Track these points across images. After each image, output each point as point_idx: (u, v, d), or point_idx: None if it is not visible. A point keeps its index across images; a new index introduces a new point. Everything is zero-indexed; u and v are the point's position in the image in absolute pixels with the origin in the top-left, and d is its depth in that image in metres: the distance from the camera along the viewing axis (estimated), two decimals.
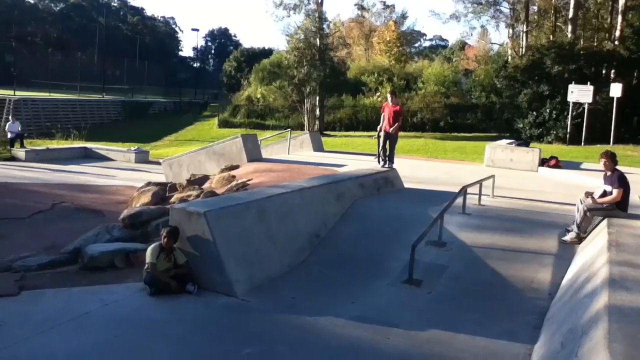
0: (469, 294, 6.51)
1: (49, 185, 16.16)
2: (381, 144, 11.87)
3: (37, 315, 5.66)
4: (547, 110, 27.99)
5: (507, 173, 14.61)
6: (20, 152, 21.81)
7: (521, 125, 28.67)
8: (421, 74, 38.77)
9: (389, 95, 11.79)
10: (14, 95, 33.57)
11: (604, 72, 29.34)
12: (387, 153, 11.88)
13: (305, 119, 33.83)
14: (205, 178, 14.33)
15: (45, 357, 4.75)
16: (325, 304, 6.17)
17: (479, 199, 10.14)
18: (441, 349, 5.18)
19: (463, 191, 9.12)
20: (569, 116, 26.85)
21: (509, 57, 33.93)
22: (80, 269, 7.42)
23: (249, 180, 12.46)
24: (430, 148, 25.13)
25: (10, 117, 24.22)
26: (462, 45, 59.16)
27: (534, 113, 28.33)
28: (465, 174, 13.81)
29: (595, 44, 32.63)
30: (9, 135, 22.76)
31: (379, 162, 11.91)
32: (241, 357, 4.92)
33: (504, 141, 20.77)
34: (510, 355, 5.07)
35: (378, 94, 37.18)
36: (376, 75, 38.88)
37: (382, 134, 11.90)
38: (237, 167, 14.99)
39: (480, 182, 10.15)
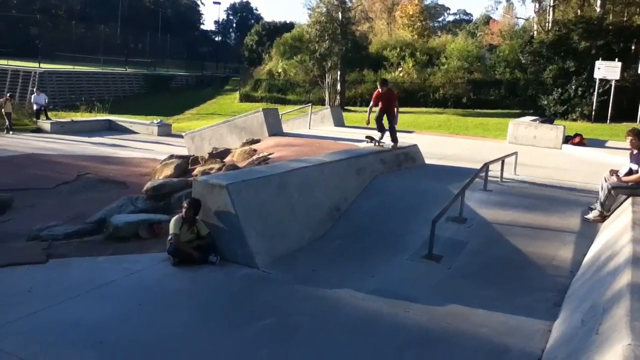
0: (488, 270, 6.52)
1: (73, 157, 16.42)
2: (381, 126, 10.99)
3: (64, 283, 5.83)
4: (573, 87, 27.42)
5: (530, 150, 14.45)
6: (45, 124, 22.14)
7: (545, 102, 28.17)
8: (444, 49, 38.14)
9: (379, 84, 10.78)
10: (39, 67, 33.94)
11: (633, 48, 28.54)
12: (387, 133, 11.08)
13: (326, 93, 33.66)
14: (227, 151, 14.43)
15: (72, 323, 4.90)
16: (345, 277, 6.23)
17: (501, 176, 10.06)
18: (460, 324, 5.21)
19: (485, 168, 9.06)
20: (595, 93, 26.29)
21: (535, 32, 33.16)
22: (105, 239, 7.57)
23: (269, 154, 12.52)
24: (452, 124, 24.89)
25: (35, 90, 24.51)
26: (487, 20, 57.98)
27: (559, 90, 27.78)
28: (487, 151, 13.69)
29: (625, 18, 31.70)
30: (35, 107, 23.13)
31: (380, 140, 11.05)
32: (262, 326, 5.02)
33: (528, 118, 20.47)
34: (530, 331, 5.08)
35: (400, 69, 36.76)
36: (398, 50, 38.36)
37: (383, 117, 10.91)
38: (258, 141, 15.05)
39: (502, 159, 10.06)
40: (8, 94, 22.37)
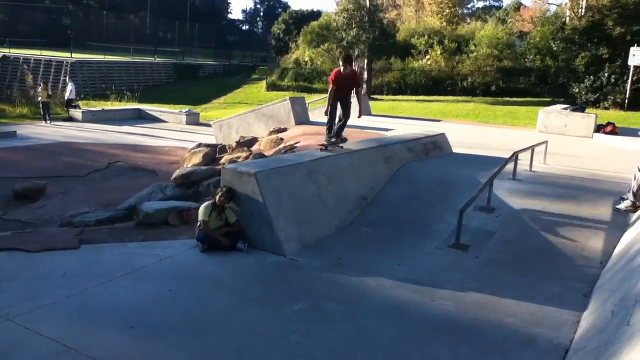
0: (517, 260, 6.47)
1: (104, 145, 16.75)
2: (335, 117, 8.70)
3: (96, 268, 5.98)
4: (605, 75, 26.75)
5: (560, 139, 14.21)
6: (77, 113, 22.55)
7: (577, 90, 27.55)
8: (473, 36, 37.51)
9: (342, 60, 8.39)
10: (71, 57, 34.55)
11: None
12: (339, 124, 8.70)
13: None
14: (254, 140, 14.53)
15: (106, 306, 5.04)
16: (372, 265, 6.27)
17: (530, 165, 9.93)
18: (487, 313, 5.20)
19: (514, 156, 8.95)
20: (629, 80, 25.61)
21: (567, 18, 32.35)
22: (135, 225, 7.75)
23: (296, 142, 12.56)
24: (480, 113, 24.58)
25: (67, 79, 24.86)
26: (517, 6, 56.78)
27: (591, 77, 27.13)
28: (516, 140, 13.50)
29: None
30: (66, 96, 23.49)
31: (331, 141, 8.60)
32: (291, 313, 5.10)
33: (558, 106, 20.09)
34: (558, 322, 5.05)
35: (428, 56, 36.33)
36: (426, 37, 37.87)
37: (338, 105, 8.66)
38: (284, 129, 15.11)
39: (532, 147, 9.91)
40: (42, 82, 22.68)
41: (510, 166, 8.94)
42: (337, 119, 8.66)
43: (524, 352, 4.58)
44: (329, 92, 8.58)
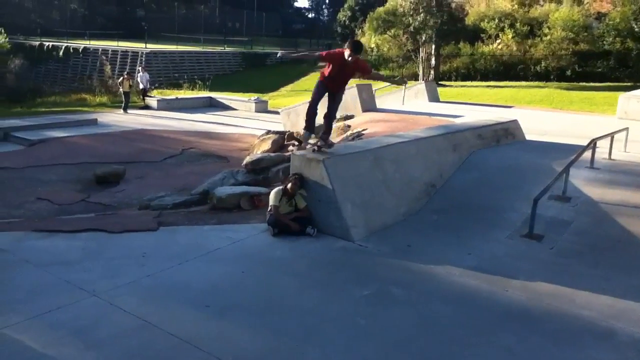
0: (594, 251, 6.23)
1: (178, 132, 17.37)
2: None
3: (174, 249, 6.26)
4: None
5: None
6: (152, 101, 23.45)
7: None
8: (547, 19, 35.89)
9: (350, 47, 6.63)
10: (146, 48, 35.91)
11: None
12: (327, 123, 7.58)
13: (420, 68, 32.96)
14: (321, 127, 14.61)
15: (182, 285, 5.28)
16: (441, 253, 6.22)
17: (610, 153, 9.47)
18: (562, 305, 5.06)
19: (592, 144, 8.57)
20: None
21: None
22: (209, 209, 8.04)
23: (363, 130, 12.56)
24: (554, 98, 23.59)
25: (140, 69, 25.68)
26: None
27: None
28: (593, 126, 12.89)
29: None
30: (141, 85, 24.33)
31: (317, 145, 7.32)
32: (359, 297, 5.16)
33: None
34: (639, 316, 4.84)
35: (498, 40, 35.17)
36: (497, 21, 36.58)
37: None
38: (352, 117, 15.12)
39: (611, 134, 9.45)
40: (125, 73, 23.51)
41: (587, 154, 8.57)
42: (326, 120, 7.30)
43: (601, 344, 4.43)
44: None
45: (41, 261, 5.71)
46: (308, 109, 7.32)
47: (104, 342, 4.24)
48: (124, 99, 22.10)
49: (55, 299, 4.84)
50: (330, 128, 7.51)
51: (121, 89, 22.25)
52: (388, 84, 19.95)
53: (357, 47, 6.69)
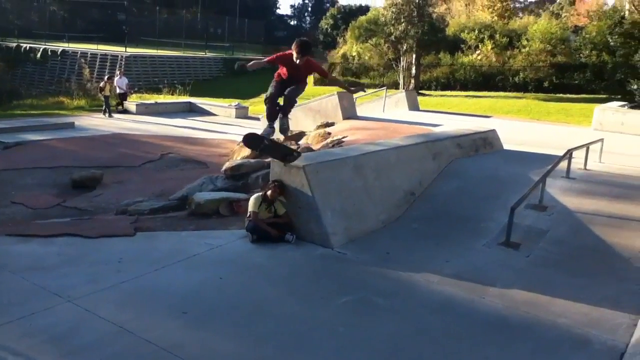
0: (570, 260, 6.32)
1: (157, 137, 17.20)
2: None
3: (151, 254, 6.20)
4: None
5: (617, 137, 13.70)
6: (131, 105, 23.17)
7: (635, 87, 26.38)
8: (526, 31, 36.55)
9: (296, 49, 6.24)
10: (126, 52, 35.59)
11: None
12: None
13: (401, 77, 33.25)
14: (302, 134, 14.63)
15: (161, 291, 5.22)
16: (420, 261, 6.25)
17: (585, 163, 9.65)
18: (538, 313, 5.12)
19: (568, 154, 8.72)
20: None
21: (626, 12, 31.13)
22: (187, 215, 7.96)
23: (344, 137, 12.59)
24: (532, 109, 23.97)
25: (118, 73, 25.19)
26: (573, 0, 54.97)
27: None
28: (570, 137, 13.12)
29: None
30: (118, 90, 23.67)
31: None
32: (339, 305, 5.15)
33: (615, 103, 19.37)
34: (613, 324, 4.92)
35: (478, 51, 35.66)
36: (477, 32, 37.15)
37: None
38: (332, 124, 15.16)
39: (587, 145, 9.63)
40: (107, 77, 23.13)
41: (563, 164, 8.72)
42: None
43: (577, 353, 4.49)
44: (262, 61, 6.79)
45: (16, 266, 5.61)
46: (268, 104, 6.74)
47: (81, 349, 4.17)
48: (104, 103, 21.83)
49: (30, 305, 4.75)
50: (289, 106, 6.83)
51: (102, 93, 21.98)
52: (377, 90, 20.11)
53: (304, 48, 6.18)
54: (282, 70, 6.65)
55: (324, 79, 7.15)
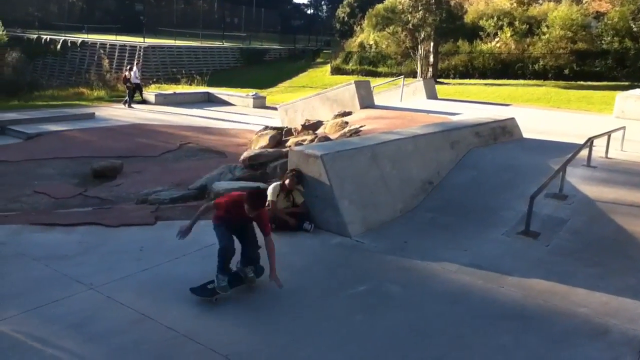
0: (590, 249, 6.26)
1: (176, 127, 17.33)
2: None
3: (171, 243, 6.21)
4: None
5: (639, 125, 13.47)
6: (150, 96, 23.34)
7: None
8: (546, 18, 35.95)
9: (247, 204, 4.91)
10: (144, 42, 35.82)
11: None
12: None
13: (418, 65, 32.97)
14: (319, 123, 14.62)
15: (179, 279, 5.27)
16: (437, 250, 6.24)
17: (606, 152, 9.52)
18: (557, 302, 5.09)
19: (589, 143, 8.60)
20: None
21: None
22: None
23: (361, 126, 12.55)
24: (552, 97, 23.64)
25: (134, 65, 25.23)
26: None
27: None
28: (591, 125, 12.93)
29: None
30: (134, 80, 23.68)
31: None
32: (356, 293, 5.17)
33: (638, 91, 19.00)
34: (634, 314, 4.87)
35: (497, 39, 35.19)
36: (495, 19, 36.61)
37: None
38: (349, 113, 15.11)
39: (608, 133, 9.49)
40: (128, 67, 23.19)
41: (584, 153, 8.62)
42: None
43: (595, 342, 4.46)
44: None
45: (38, 254, 5.71)
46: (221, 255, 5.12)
47: (103, 335, 4.25)
48: (128, 94, 21.98)
49: (52, 293, 4.85)
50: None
51: (127, 84, 22.03)
52: (394, 79, 19.93)
53: (254, 204, 4.97)
54: (224, 214, 5.26)
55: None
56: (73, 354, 4.02)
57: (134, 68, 23.04)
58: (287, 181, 6.86)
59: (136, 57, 32.00)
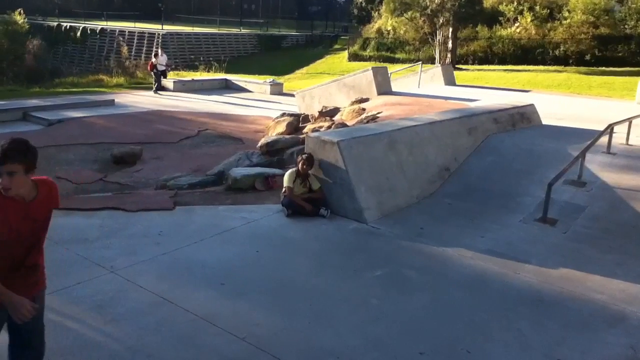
0: (608, 235, 6.22)
1: (194, 113, 17.43)
2: None
3: (189, 228, 6.36)
4: None
5: None
6: (169, 83, 23.46)
7: None
8: (567, 2, 35.30)
9: None
10: (162, 29, 35.97)
11: None
12: None
13: (437, 51, 32.66)
14: (336, 110, 14.61)
15: (198, 263, 5.37)
16: (454, 236, 6.25)
17: (627, 138, 9.38)
18: (574, 288, 5.08)
19: (609, 129, 8.49)
20: None
21: None
22: (224, 190, 8.11)
23: (378, 112, 12.52)
24: (573, 83, 23.30)
25: (159, 50, 25.35)
26: None
27: None
28: (611, 112, 12.75)
29: None
30: (159, 67, 23.86)
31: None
32: (372, 277, 5.22)
33: None
34: None
35: (517, 24, 34.67)
36: (515, 4, 36.07)
37: None
38: (366, 100, 15.07)
39: (630, 119, 9.36)
40: (154, 52, 23.30)
41: (604, 139, 8.51)
42: None
43: (612, 329, 4.45)
44: None
45: (60, 238, 5.83)
46: None
47: (123, 316, 4.35)
48: (156, 79, 22.12)
49: (74, 275, 4.96)
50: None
51: (154, 71, 22.14)
52: (412, 65, 19.78)
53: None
54: None
55: None
56: (98, 332, 4.13)
57: (159, 54, 23.10)
58: (299, 166, 6.91)
59: (154, 44, 32.16)
